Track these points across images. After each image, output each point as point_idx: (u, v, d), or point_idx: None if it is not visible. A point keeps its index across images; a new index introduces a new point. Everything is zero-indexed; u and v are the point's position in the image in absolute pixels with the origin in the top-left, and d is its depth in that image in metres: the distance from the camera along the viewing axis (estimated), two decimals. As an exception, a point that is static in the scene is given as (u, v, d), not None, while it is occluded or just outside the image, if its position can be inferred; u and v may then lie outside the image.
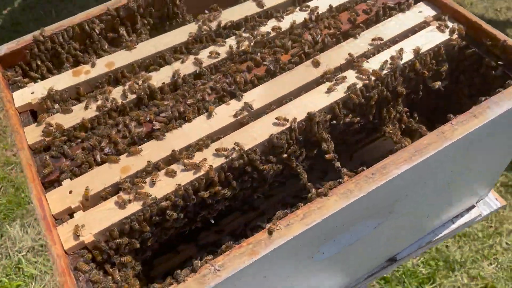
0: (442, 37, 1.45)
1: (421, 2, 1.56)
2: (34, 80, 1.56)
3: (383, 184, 1.09)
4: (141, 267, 1.28)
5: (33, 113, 1.46)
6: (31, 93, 1.46)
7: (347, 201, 1.08)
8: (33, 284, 2.76)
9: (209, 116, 1.35)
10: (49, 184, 1.26)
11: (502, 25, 4.37)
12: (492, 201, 1.79)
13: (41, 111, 1.44)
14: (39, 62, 1.57)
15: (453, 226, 1.72)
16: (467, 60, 1.44)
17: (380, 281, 2.93)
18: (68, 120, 1.38)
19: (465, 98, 1.46)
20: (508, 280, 2.89)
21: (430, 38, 1.45)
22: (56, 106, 1.44)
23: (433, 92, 1.50)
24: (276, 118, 1.29)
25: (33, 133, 1.35)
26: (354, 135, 1.49)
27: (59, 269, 1.06)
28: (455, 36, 1.44)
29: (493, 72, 1.37)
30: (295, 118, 1.29)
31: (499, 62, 1.35)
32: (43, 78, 1.56)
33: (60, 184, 1.25)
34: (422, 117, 1.57)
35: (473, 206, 1.76)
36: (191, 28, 1.61)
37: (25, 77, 1.56)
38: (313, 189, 1.16)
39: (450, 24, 1.48)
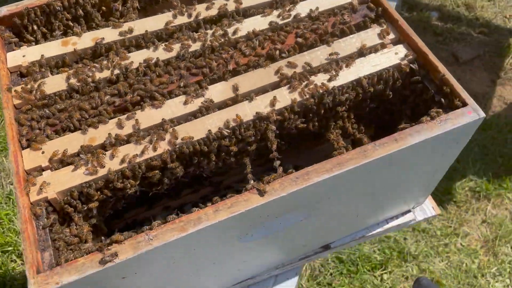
0: (395, 61, 1.59)
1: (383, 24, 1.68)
2: (29, 43, 1.72)
3: (303, 187, 1.28)
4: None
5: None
6: (23, 56, 1.63)
7: (270, 198, 1.27)
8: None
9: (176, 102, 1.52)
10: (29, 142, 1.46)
11: (508, 33, 4.39)
12: (428, 209, 1.98)
13: (28, 74, 1.61)
14: (35, 27, 1.73)
15: (387, 226, 1.93)
16: (413, 85, 1.58)
17: (335, 260, 3.17)
18: (51, 87, 1.56)
19: (406, 118, 1.61)
20: (455, 278, 3.12)
21: (383, 60, 1.58)
22: (43, 71, 1.61)
23: (379, 108, 1.66)
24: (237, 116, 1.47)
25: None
26: (303, 138, 1.66)
27: (22, 218, 1.28)
28: (405, 62, 1.58)
29: (432, 99, 1.52)
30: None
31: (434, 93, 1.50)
32: (37, 42, 1.73)
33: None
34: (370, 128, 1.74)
35: (409, 211, 1.95)
36: (173, 16, 1.75)
37: (20, 40, 1.72)
38: (252, 181, 1.36)
39: (404, 50, 1.61)
